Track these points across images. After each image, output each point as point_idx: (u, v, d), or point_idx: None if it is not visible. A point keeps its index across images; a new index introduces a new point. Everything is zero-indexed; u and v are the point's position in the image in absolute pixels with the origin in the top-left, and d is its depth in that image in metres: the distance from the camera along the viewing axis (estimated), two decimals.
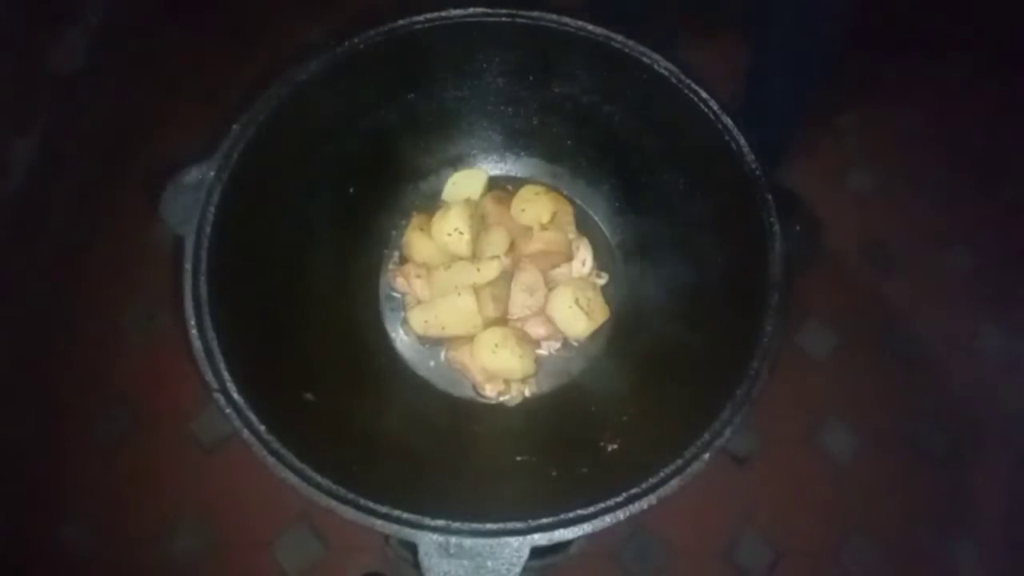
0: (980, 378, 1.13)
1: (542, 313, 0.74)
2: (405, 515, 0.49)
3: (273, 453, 0.50)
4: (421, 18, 0.65)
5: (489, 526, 0.49)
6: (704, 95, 0.62)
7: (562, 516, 0.49)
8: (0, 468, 1.00)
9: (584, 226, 0.79)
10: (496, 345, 0.70)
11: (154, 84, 1.23)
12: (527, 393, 0.73)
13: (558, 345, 0.75)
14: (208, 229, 0.57)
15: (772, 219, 0.57)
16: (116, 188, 1.17)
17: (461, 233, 0.73)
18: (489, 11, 0.66)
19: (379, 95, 0.71)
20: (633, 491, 0.50)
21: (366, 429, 0.63)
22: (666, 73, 0.64)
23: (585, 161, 0.79)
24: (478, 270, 0.72)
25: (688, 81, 0.63)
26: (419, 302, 0.74)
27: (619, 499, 0.49)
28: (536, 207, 0.77)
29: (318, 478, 0.50)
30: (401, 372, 0.73)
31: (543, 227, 0.76)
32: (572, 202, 0.79)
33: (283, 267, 0.66)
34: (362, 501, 0.49)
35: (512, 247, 0.76)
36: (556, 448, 0.65)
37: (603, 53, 0.66)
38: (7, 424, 1.01)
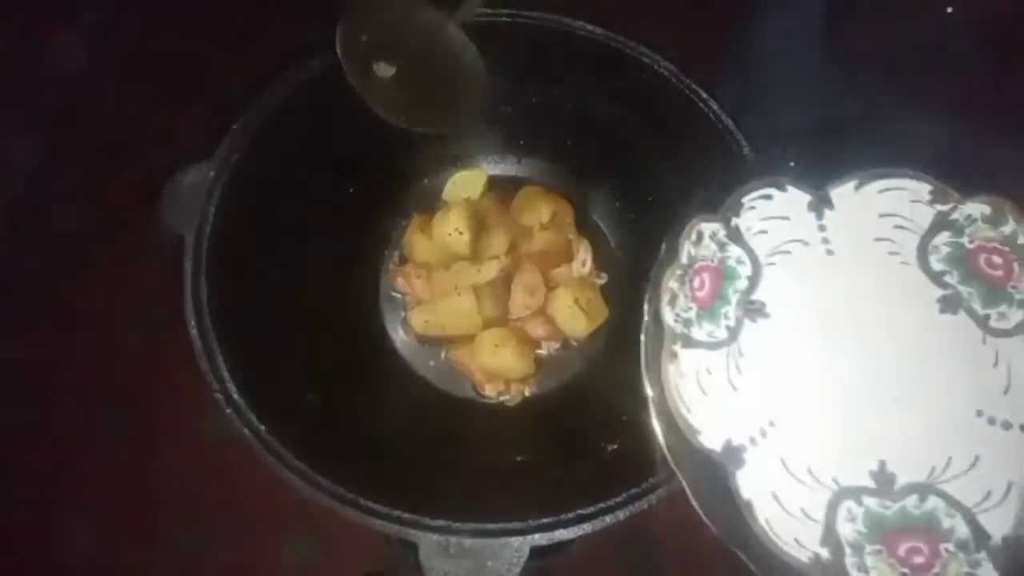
0: None
1: (542, 313, 0.74)
2: (405, 515, 0.49)
3: (273, 453, 0.51)
4: None
5: (489, 526, 0.49)
6: (704, 95, 0.62)
7: (562, 516, 0.49)
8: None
9: (584, 226, 0.79)
10: (496, 345, 0.70)
11: (154, 84, 1.23)
12: (527, 393, 0.73)
13: (558, 345, 0.75)
14: (208, 229, 0.57)
15: None
16: (116, 188, 1.16)
17: (461, 233, 0.73)
18: (489, 11, 0.66)
19: None
20: (633, 491, 0.50)
21: (366, 429, 0.63)
22: (666, 73, 0.64)
23: (585, 161, 0.79)
24: (478, 270, 0.72)
25: (688, 81, 0.63)
26: (419, 302, 0.74)
27: (619, 499, 0.49)
28: (536, 207, 0.76)
29: (318, 478, 0.50)
30: (401, 372, 0.73)
31: (543, 227, 0.76)
32: (572, 202, 0.79)
33: (283, 267, 0.66)
34: (362, 501, 0.49)
35: (512, 247, 0.76)
36: (556, 448, 0.65)
37: (603, 53, 0.66)
38: (6, 424, 1.01)
